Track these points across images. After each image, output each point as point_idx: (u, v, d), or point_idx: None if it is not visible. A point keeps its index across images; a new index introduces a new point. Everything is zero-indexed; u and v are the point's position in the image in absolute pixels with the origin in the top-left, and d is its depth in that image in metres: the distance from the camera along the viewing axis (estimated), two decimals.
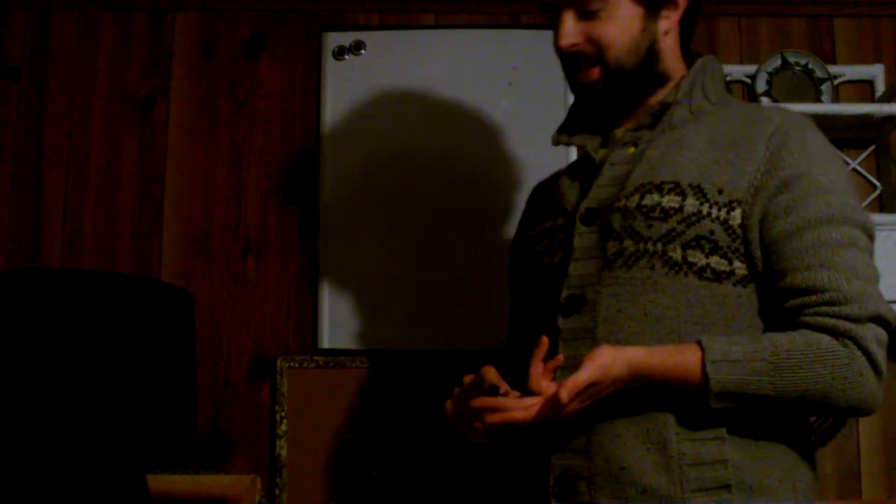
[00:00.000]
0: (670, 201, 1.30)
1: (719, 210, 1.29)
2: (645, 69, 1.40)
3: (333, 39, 2.36)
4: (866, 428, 2.23)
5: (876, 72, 2.38)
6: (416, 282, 2.26)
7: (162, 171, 2.33)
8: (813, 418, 2.07)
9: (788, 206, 1.28)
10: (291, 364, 2.23)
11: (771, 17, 2.41)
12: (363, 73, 2.34)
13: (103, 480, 1.69)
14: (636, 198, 1.32)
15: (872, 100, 2.36)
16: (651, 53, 1.40)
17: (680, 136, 1.36)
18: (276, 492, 2.17)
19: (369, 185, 2.30)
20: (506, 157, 2.29)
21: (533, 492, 1.34)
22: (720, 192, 1.30)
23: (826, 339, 1.22)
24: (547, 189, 1.57)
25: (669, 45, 1.42)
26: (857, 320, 1.23)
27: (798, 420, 1.34)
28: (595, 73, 1.40)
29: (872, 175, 2.35)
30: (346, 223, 2.29)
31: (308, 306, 2.28)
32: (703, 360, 1.22)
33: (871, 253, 1.30)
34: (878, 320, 1.24)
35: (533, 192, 1.66)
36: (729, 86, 1.51)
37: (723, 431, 1.25)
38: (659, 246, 1.29)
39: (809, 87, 2.34)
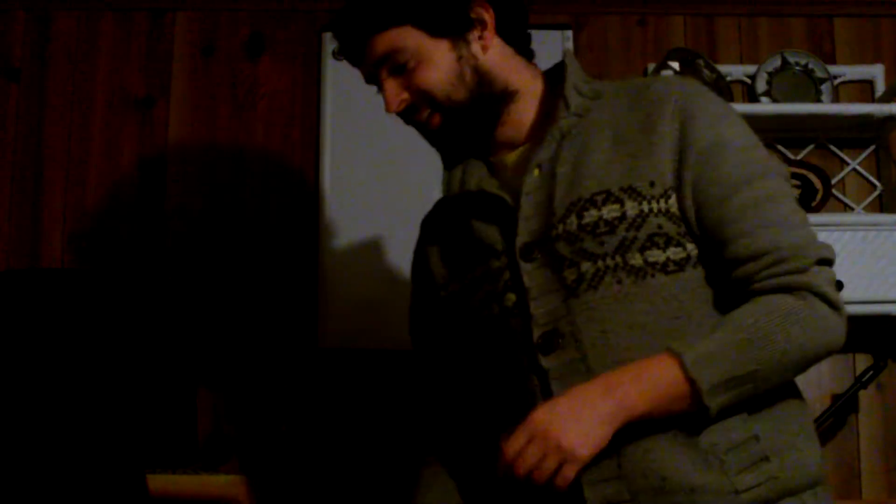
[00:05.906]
0: (610, 212, 1.28)
1: (658, 202, 1.28)
2: (482, 93, 1.38)
3: (333, 39, 2.35)
4: (866, 428, 2.24)
5: (876, 72, 2.38)
6: None
7: (162, 171, 2.33)
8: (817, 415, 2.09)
9: (710, 178, 1.27)
10: (291, 364, 2.23)
11: (771, 17, 2.41)
12: None
13: (103, 480, 1.69)
14: (573, 219, 1.29)
15: (872, 100, 2.36)
16: (480, 77, 1.38)
17: (581, 144, 1.34)
18: (275, 492, 2.17)
19: (369, 184, 2.30)
20: None
21: None
22: (652, 184, 1.28)
23: (784, 300, 1.23)
24: (447, 228, 1.50)
25: (497, 61, 1.39)
26: (803, 271, 1.24)
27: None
28: (436, 119, 1.39)
29: (872, 175, 2.35)
30: (346, 222, 2.29)
31: (308, 306, 2.28)
32: (681, 364, 1.20)
33: (792, 196, 1.31)
34: (822, 262, 1.26)
35: (426, 231, 1.58)
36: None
37: (744, 414, 1.25)
38: (618, 259, 1.27)
39: (809, 88, 2.34)
